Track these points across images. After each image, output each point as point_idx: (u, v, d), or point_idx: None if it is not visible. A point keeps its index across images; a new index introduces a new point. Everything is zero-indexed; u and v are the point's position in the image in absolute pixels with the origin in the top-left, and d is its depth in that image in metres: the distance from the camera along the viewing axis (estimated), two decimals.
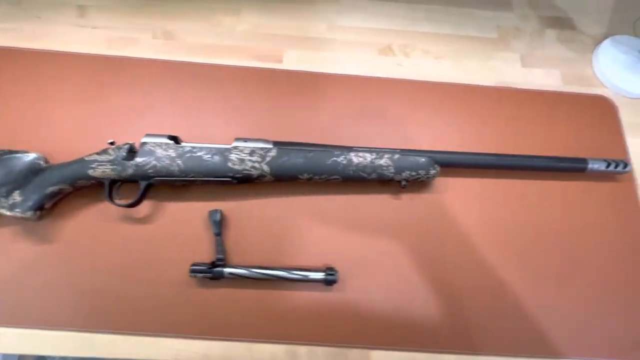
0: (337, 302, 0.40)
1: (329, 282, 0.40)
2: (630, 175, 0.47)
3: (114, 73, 0.48)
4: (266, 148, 0.41)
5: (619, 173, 0.45)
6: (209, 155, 0.40)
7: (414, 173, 0.42)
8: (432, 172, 0.42)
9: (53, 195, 0.40)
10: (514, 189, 0.46)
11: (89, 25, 0.51)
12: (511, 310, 0.41)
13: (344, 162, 0.42)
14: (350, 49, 0.52)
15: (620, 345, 0.41)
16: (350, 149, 0.43)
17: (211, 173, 0.40)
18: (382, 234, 0.43)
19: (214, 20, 0.52)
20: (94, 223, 0.42)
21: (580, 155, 0.46)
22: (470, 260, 0.42)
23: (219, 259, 0.40)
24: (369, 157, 0.42)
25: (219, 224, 0.41)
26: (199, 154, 0.40)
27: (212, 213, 0.41)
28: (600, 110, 0.51)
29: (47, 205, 0.40)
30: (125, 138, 0.42)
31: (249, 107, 0.48)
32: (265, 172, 0.41)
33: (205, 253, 0.41)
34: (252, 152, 0.41)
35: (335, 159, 0.42)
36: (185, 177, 0.40)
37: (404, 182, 0.43)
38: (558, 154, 0.46)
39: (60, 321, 0.38)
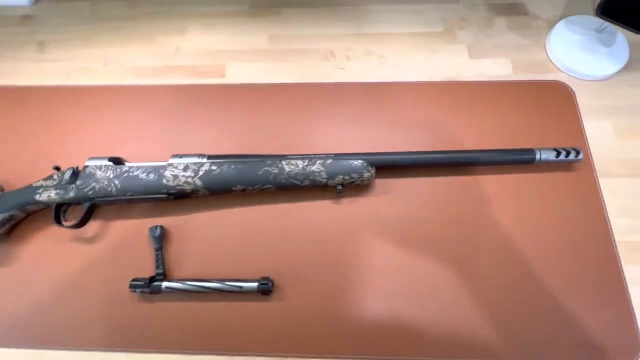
0: (275, 312, 0.40)
1: (264, 292, 0.40)
2: (588, 163, 0.44)
3: (69, 102, 0.51)
4: (199, 162, 0.43)
5: (571, 162, 0.43)
6: (144, 174, 0.42)
7: (347, 177, 0.42)
8: (366, 175, 0.42)
9: (6, 221, 0.43)
10: (460, 186, 0.44)
11: (48, 59, 0.55)
12: (454, 310, 0.39)
13: (276, 171, 0.42)
14: (293, 58, 0.52)
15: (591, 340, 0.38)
16: (283, 157, 0.43)
17: (147, 191, 0.42)
18: (320, 240, 0.43)
19: (161, 42, 0.54)
20: (47, 245, 0.44)
21: (537, 145, 0.44)
22: (410, 263, 0.41)
23: (158, 274, 0.41)
24: (300, 164, 0.42)
25: (158, 239, 0.42)
26: (135, 173, 0.42)
27: (152, 229, 0.43)
28: (556, 96, 0.48)
29: (2, 231, 0.43)
30: (73, 162, 0.44)
31: (195, 124, 0.49)
32: (199, 186, 0.42)
33: (147, 268, 0.42)
34: (185, 168, 0.42)
35: (266, 168, 0.42)
36: (123, 196, 0.42)
37: (339, 187, 0.42)
38: (512, 146, 0.44)
39: (11, 339, 0.40)
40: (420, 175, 0.45)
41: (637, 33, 0.44)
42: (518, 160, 0.43)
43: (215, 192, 0.43)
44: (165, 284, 0.40)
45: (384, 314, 0.39)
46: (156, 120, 0.50)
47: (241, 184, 0.42)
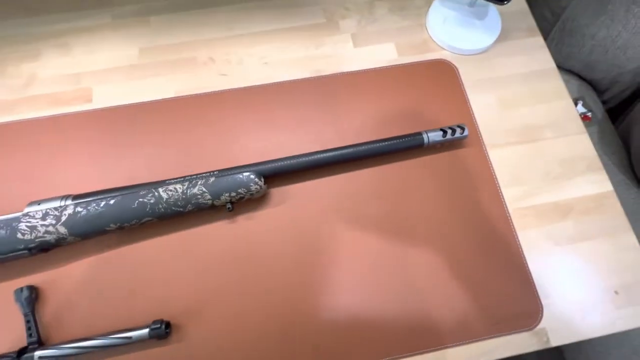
0: (175, 355, 0.37)
1: (158, 337, 0.36)
2: (477, 138, 0.45)
3: None
4: (61, 206, 0.37)
5: (459, 139, 0.43)
6: None
7: (234, 194, 0.39)
8: (255, 187, 0.39)
9: None
10: (357, 181, 0.43)
11: None
12: (379, 313, 0.38)
13: (152, 200, 0.38)
14: (168, 70, 0.48)
15: (495, 318, 0.38)
16: (160, 183, 0.39)
17: (1, 250, 0.36)
18: (219, 266, 0.39)
19: (10, 72, 0.47)
20: None
21: (430, 127, 0.43)
22: (317, 269, 0.39)
23: (30, 343, 0.36)
24: (180, 188, 0.38)
25: (28, 303, 0.37)
26: None
27: (17, 292, 0.37)
28: (441, 75, 0.48)
29: None
30: None
31: (59, 160, 0.43)
32: (63, 234, 0.36)
33: (20, 339, 0.36)
34: (45, 215, 0.37)
35: (141, 199, 0.37)
36: None
37: (228, 206, 0.39)
38: (407, 131, 0.44)
39: None
40: (317, 176, 0.43)
41: (501, 4, 0.45)
42: (408, 145, 0.42)
43: (87, 237, 0.37)
44: (38, 353, 0.34)
45: (298, 330, 0.37)
46: (11, 161, 0.43)
47: (115, 222, 0.37)
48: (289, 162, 0.41)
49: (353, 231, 0.41)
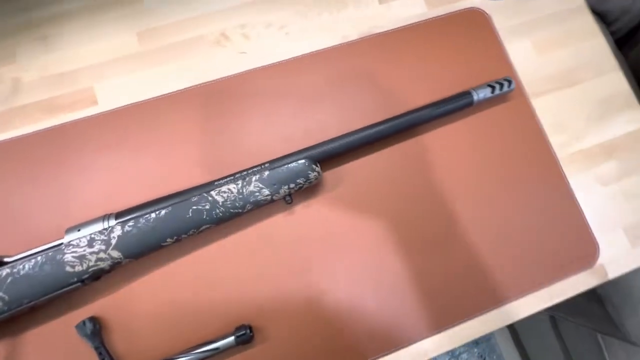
0: (263, 356, 0.36)
1: (244, 342, 0.35)
2: (519, 89, 0.44)
3: None
4: (106, 228, 0.33)
5: (506, 93, 0.42)
6: (36, 269, 0.32)
7: (293, 185, 0.36)
8: (313, 175, 0.36)
9: None
10: (406, 152, 0.41)
11: None
12: (442, 279, 0.39)
13: (207, 206, 0.34)
14: (176, 55, 0.41)
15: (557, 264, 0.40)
16: (210, 185, 0.35)
17: (50, 289, 0.32)
18: (284, 261, 0.38)
19: None
20: None
21: (472, 84, 0.41)
22: (385, 252, 0.39)
23: None
24: (234, 188, 0.35)
25: (94, 335, 0.34)
26: (23, 272, 0.32)
27: (80, 327, 0.34)
28: (474, 25, 0.45)
29: None
30: None
31: (77, 175, 0.38)
32: (118, 258, 0.33)
33: None
34: (91, 242, 0.33)
35: (195, 207, 0.34)
36: (19, 306, 0.32)
37: (287, 199, 0.37)
38: (448, 91, 0.41)
39: None
40: (366, 153, 0.40)
41: None
42: (458, 107, 0.41)
43: (143, 255, 0.34)
44: None
45: (376, 312, 0.37)
46: (22, 185, 0.37)
47: (171, 235, 0.34)
48: (339, 142, 0.38)
49: (410, 203, 0.40)
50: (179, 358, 0.34)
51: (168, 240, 0.34)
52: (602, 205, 0.42)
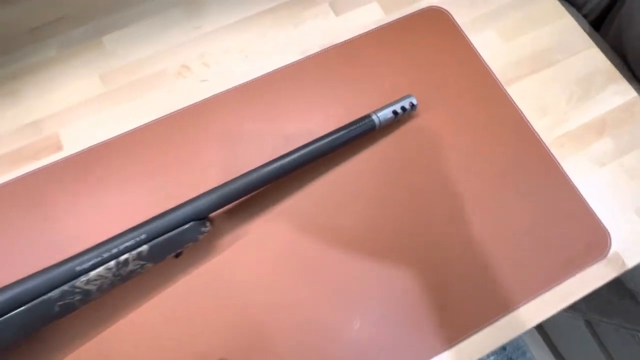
0: None
1: None
2: (491, 78, 0.42)
3: None
4: None
5: (411, 112, 0.39)
6: None
7: (179, 249, 0.32)
8: (202, 236, 0.32)
9: None
10: (382, 151, 0.39)
11: None
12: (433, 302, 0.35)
13: (78, 297, 0.28)
14: (140, 91, 0.42)
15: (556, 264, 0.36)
16: (72, 273, 0.28)
17: None
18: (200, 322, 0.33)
19: None
20: None
21: (443, 82, 0.41)
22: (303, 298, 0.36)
23: None
24: (108, 272, 0.29)
25: None
26: None
27: None
28: (435, 23, 0.45)
29: None
30: None
31: (37, 229, 0.37)
32: None
33: None
34: None
35: (61, 302, 0.28)
36: None
37: (173, 255, 0.32)
38: (423, 93, 0.40)
39: None
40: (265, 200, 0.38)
41: None
42: (360, 133, 0.37)
43: None
44: None
45: (379, 334, 0.33)
46: None
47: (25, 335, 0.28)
48: (232, 187, 0.33)
49: (390, 206, 0.37)
50: None
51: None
52: (605, 188, 0.39)
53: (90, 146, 0.39)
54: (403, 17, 0.45)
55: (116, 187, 0.38)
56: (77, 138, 0.40)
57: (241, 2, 0.45)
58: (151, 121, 0.40)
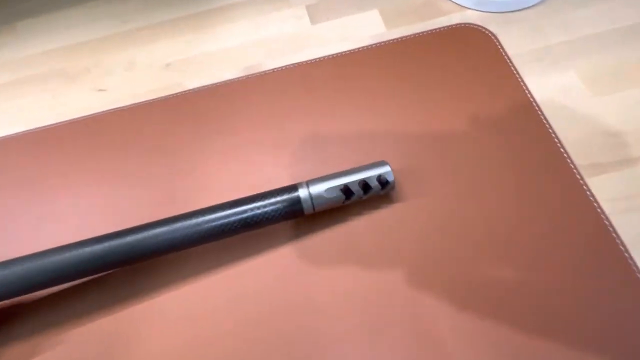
0: None
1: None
2: (560, 157, 0.23)
3: None
4: None
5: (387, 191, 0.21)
6: None
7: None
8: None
9: None
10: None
11: None
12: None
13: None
14: (32, 89, 0.30)
15: None
16: None
17: None
18: None
19: None
20: None
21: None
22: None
23: None
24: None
25: None
26: None
27: None
28: (472, 49, 0.27)
29: None
30: None
31: None
32: None
33: None
34: None
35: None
36: None
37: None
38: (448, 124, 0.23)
39: None
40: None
41: None
42: (288, 214, 0.20)
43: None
44: None
45: None
46: None
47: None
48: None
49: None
50: None
51: None
52: None
53: None
54: (417, 34, 0.28)
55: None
56: None
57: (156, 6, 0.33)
58: (15, 132, 0.28)
